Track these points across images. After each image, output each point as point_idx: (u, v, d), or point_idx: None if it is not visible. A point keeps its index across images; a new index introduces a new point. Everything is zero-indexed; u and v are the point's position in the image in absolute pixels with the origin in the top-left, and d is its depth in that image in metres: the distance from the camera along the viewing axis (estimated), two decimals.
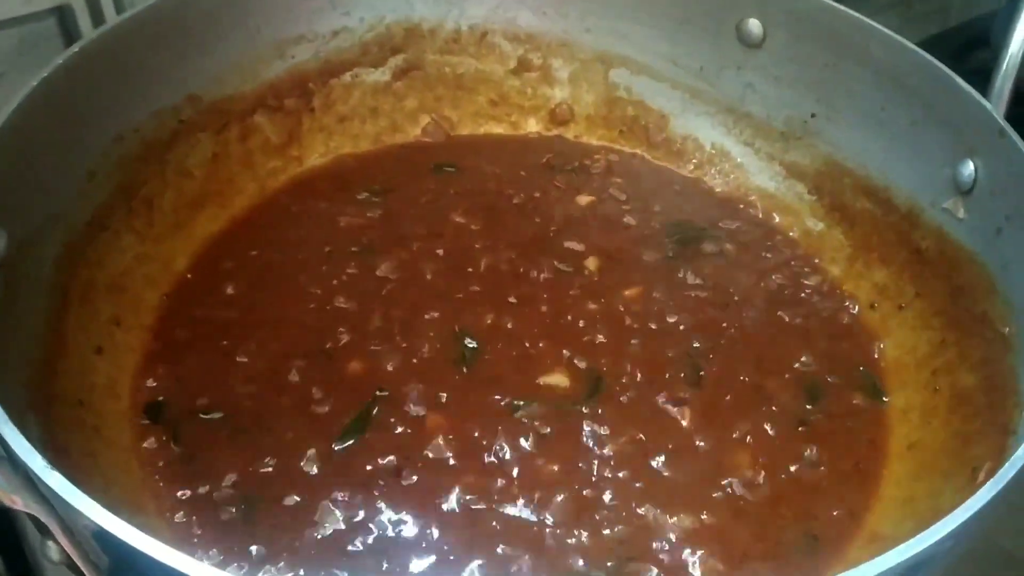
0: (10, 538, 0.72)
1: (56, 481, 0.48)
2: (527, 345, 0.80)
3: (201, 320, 0.81)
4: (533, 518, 0.69)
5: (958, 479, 0.68)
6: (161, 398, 0.75)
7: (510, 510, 0.69)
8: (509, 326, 0.81)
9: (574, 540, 0.68)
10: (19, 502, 0.50)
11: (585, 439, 0.74)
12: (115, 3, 0.96)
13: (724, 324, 0.84)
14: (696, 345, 0.81)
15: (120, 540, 0.47)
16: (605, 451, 0.73)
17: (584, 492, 0.71)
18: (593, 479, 0.71)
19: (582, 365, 0.79)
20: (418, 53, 1.01)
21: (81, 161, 0.79)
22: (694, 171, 1.01)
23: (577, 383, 0.77)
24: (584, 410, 0.75)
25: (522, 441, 0.73)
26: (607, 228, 0.92)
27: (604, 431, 0.74)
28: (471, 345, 0.79)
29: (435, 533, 0.67)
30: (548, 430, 0.74)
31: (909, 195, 0.86)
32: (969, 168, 0.78)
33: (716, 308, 0.85)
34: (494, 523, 0.68)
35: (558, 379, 0.78)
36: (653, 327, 0.83)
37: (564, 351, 0.79)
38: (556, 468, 0.72)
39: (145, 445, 0.72)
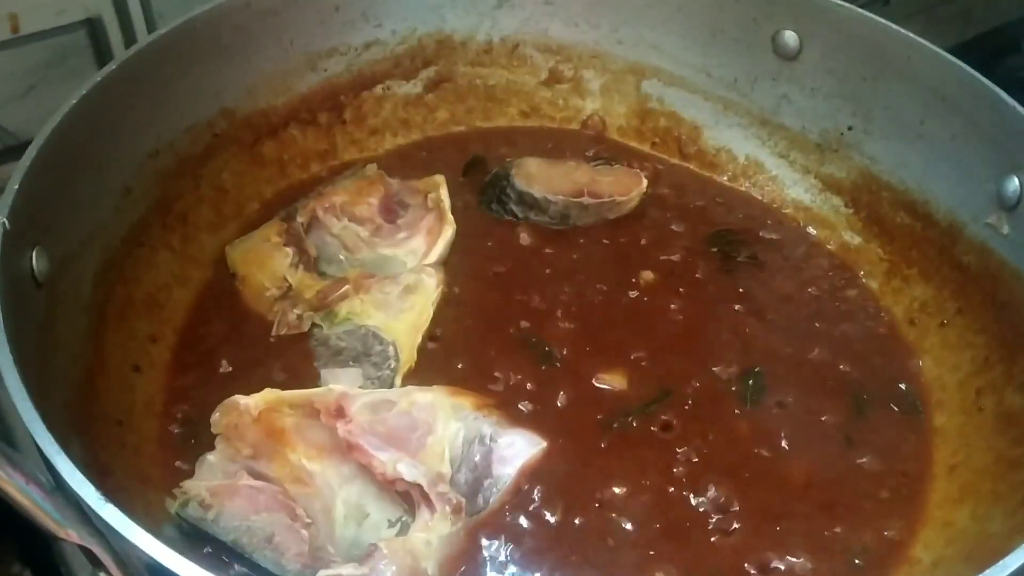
0: (48, 565, 0.72)
1: (111, 514, 0.48)
2: (587, 350, 0.80)
3: (236, 336, 0.81)
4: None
5: (1007, 504, 0.67)
6: (197, 417, 0.75)
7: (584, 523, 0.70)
8: (567, 328, 0.83)
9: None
10: (74, 535, 0.49)
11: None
12: (145, 16, 0.96)
13: (766, 337, 0.84)
14: (741, 356, 0.81)
15: (173, 573, 0.47)
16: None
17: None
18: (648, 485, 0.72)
19: (640, 374, 0.79)
20: (449, 65, 1.00)
21: (117, 178, 0.79)
22: (729, 182, 1.00)
23: (635, 388, 0.78)
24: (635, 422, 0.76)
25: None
26: (656, 238, 0.92)
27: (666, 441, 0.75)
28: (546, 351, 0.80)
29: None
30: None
31: (950, 210, 0.85)
32: (1014, 183, 0.77)
33: (758, 320, 0.85)
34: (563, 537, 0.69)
35: (618, 381, 0.78)
36: (701, 340, 0.83)
37: (620, 359, 0.80)
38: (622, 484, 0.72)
39: (183, 466, 0.71)
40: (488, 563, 0.66)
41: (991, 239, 0.80)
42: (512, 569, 0.67)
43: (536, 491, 0.70)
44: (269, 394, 0.70)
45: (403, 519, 0.68)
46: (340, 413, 0.69)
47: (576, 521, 0.69)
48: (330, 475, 0.69)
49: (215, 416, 0.69)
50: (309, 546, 0.64)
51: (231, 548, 0.64)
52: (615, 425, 0.75)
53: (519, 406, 0.75)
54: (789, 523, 0.71)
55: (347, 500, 0.68)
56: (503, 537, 0.68)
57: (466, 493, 0.69)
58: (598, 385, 0.78)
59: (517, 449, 0.71)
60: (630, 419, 0.76)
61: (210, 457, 0.68)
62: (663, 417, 0.76)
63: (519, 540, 0.68)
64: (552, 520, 0.69)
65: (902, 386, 0.82)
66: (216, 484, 0.66)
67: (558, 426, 0.74)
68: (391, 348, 0.78)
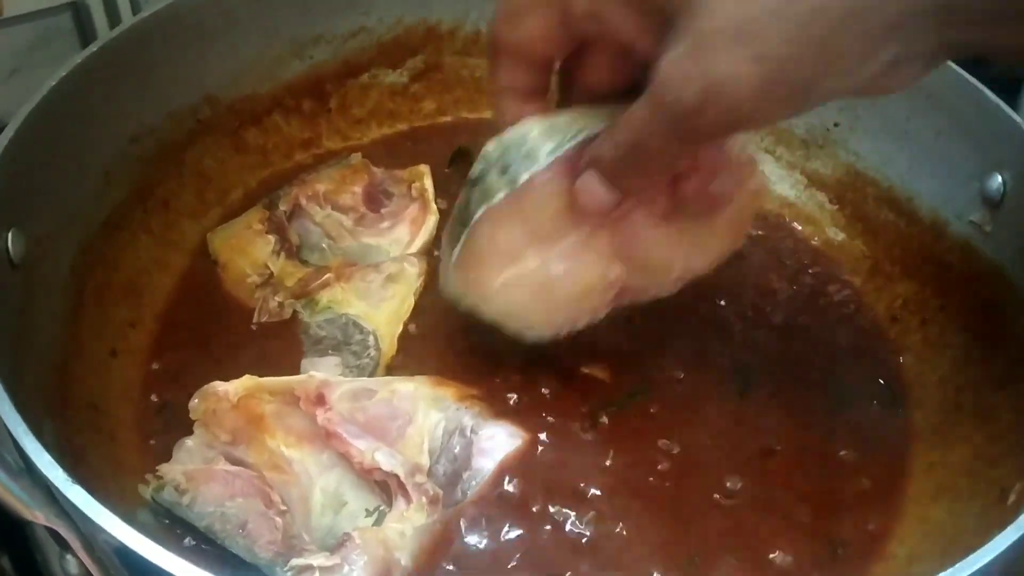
0: (23, 549, 0.71)
1: (77, 496, 0.48)
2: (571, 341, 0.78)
3: (216, 323, 0.80)
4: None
5: (984, 500, 0.67)
6: (174, 404, 0.74)
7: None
8: None
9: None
10: (40, 517, 0.49)
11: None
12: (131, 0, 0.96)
13: (751, 330, 0.84)
14: (726, 348, 0.81)
15: (141, 557, 0.47)
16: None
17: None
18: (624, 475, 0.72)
19: (625, 366, 0.78)
20: (436, 54, 1.00)
21: (98, 161, 0.78)
22: None
23: (620, 380, 0.78)
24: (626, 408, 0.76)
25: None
26: None
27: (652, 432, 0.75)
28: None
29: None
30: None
31: (934, 207, 0.85)
32: (997, 181, 0.77)
33: (742, 313, 0.85)
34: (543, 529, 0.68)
35: (603, 372, 0.78)
36: (686, 332, 0.82)
37: (604, 350, 0.79)
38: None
39: (159, 453, 0.71)
40: (463, 555, 0.66)
41: (974, 237, 0.80)
42: (488, 561, 0.66)
43: (516, 484, 0.70)
44: (248, 380, 0.70)
45: (381, 508, 0.68)
46: (320, 401, 0.69)
47: (557, 513, 0.69)
48: (308, 463, 0.68)
49: (193, 402, 0.69)
50: (283, 534, 0.63)
51: (205, 535, 0.64)
52: (600, 417, 0.75)
53: (503, 397, 0.75)
54: (772, 513, 0.71)
55: (325, 488, 0.68)
56: (480, 529, 0.67)
57: (444, 485, 0.68)
58: (583, 376, 0.78)
59: (498, 442, 0.71)
60: (615, 410, 0.75)
61: (188, 442, 0.68)
62: (650, 409, 0.76)
63: (497, 532, 0.67)
64: (533, 512, 0.69)
65: (882, 381, 0.82)
66: (192, 468, 0.66)
67: (542, 417, 0.74)
68: (371, 337, 0.78)
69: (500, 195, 0.63)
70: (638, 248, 0.67)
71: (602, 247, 0.67)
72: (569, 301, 0.69)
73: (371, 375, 0.76)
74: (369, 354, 0.77)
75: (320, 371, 0.74)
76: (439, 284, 0.73)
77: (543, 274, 0.67)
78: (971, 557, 0.51)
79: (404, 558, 0.64)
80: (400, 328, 0.80)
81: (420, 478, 0.67)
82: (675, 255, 0.69)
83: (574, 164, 0.62)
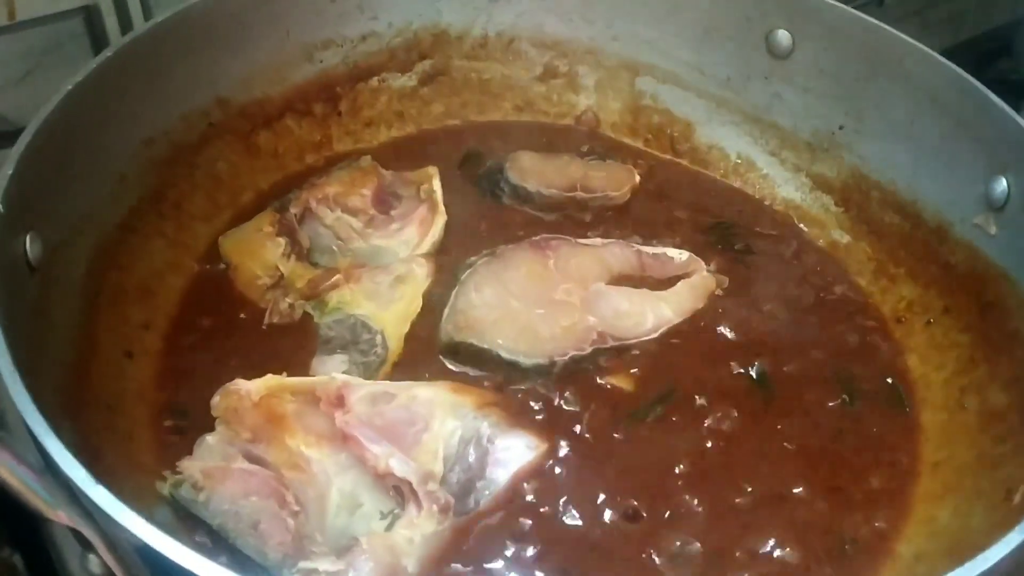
0: (37, 548, 0.72)
1: (100, 495, 0.48)
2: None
3: (228, 324, 0.81)
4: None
5: (990, 499, 0.68)
6: (189, 404, 0.75)
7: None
8: None
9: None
10: (63, 516, 0.49)
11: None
12: (142, 3, 0.96)
13: (762, 331, 0.84)
14: (741, 351, 0.82)
15: (164, 556, 0.48)
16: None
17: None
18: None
19: (645, 373, 0.79)
20: (445, 58, 1.01)
21: (112, 165, 0.79)
22: (721, 179, 1.00)
23: (641, 388, 0.78)
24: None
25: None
26: (649, 233, 0.92)
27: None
28: None
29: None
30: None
31: (938, 210, 0.86)
32: (1002, 184, 0.78)
33: (755, 314, 0.85)
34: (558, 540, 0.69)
35: (623, 382, 0.78)
36: (702, 335, 0.83)
37: (623, 357, 0.80)
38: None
39: (174, 452, 0.71)
40: (472, 564, 0.66)
41: (978, 239, 0.81)
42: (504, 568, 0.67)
43: (532, 495, 0.70)
44: (271, 380, 0.71)
45: (395, 512, 0.68)
46: (340, 403, 0.70)
47: (573, 523, 0.69)
48: (327, 463, 0.69)
49: (215, 399, 0.69)
50: (294, 535, 0.64)
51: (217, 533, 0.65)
52: (621, 424, 0.75)
53: (522, 404, 0.75)
54: (783, 511, 0.72)
55: (342, 489, 0.68)
56: (490, 539, 0.67)
57: (457, 493, 0.68)
58: (604, 385, 0.78)
59: (514, 453, 0.71)
60: (637, 419, 0.76)
61: (209, 438, 0.69)
62: (672, 418, 0.76)
63: (508, 543, 0.67)
64: (548, 517, 0.69)
65: (889, 381, 0.82)
66: (211, 466, 0.66)
67: (561, 426, 0.74)
68: (379, 337, 0.79)
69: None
70: (607, 306, 0.81)
71: (575, 301, 0.80)
72: (554, 337, 0.78)
73: (376, 371, 0.77)
74: (376, 352, 0.78)
75: (327, 368, 0.75)
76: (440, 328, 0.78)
77: (527, 314, 0.79)
78: (978, 558, 0.51)
79: (411, 565, 0.64)
80: (407, 328, 0.80)
81: (432, 486, 0.67)
82: (644, 310, 0.82)
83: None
